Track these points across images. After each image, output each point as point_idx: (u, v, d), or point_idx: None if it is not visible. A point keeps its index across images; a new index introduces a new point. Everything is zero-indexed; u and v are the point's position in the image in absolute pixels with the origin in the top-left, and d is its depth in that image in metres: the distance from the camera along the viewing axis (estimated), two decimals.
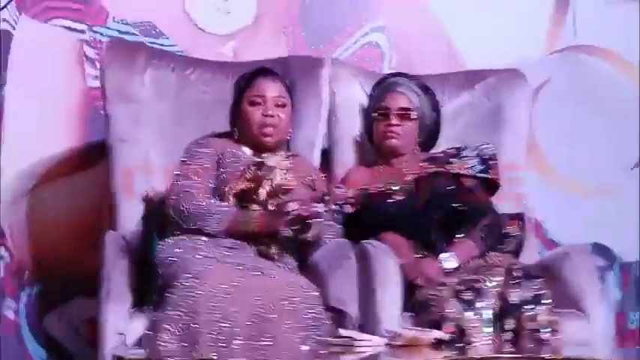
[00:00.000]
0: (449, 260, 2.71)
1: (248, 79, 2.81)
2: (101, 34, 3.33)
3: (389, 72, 3.24)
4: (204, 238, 2.59)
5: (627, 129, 3.61)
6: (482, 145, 2.96)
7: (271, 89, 2.78)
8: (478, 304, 2.50)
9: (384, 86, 3.03)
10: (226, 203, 2.65)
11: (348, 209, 2.83)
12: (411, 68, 3.24)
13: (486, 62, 3.37)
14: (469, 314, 2.49)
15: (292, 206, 2.54)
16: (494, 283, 2.55)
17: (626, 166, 3.64)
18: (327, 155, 3.11)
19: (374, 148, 3.04)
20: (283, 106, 2.79)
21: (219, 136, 2.83)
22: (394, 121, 2.93)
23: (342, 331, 2.37)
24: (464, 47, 3.53)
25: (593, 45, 3.63)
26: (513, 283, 2.55)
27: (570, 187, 3.63)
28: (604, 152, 3.61)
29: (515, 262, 2.71)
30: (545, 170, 3.60)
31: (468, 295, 2.53)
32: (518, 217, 2.92)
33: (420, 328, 2.43)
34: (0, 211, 3.27)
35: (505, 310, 2.51)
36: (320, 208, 2.55)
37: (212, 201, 2.64)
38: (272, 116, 2.75)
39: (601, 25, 3.63)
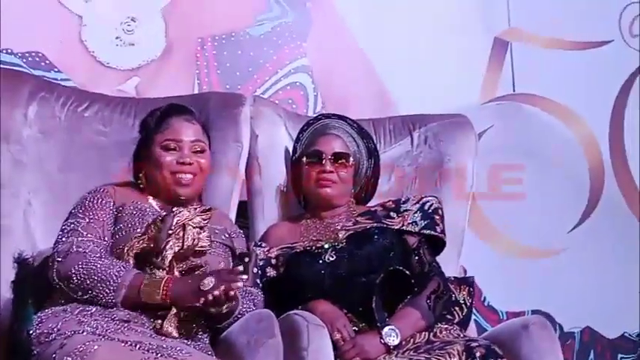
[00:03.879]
0: (391, 335, 2.40)
1: (159, 118, 2.50)
2: None
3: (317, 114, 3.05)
4: (92, 309, 2.21)
5: (572, 182, 3.50)
6: (425, 197, 2.71)
7: (188, 132, 2.49)
8: None
9: (315, 128, 2.79)
10: (124, 264, 2.28)
11: (271, 272, 2.55)
12: (339, 113, 2.93)
13: (420, 110, 3.16)
14: None
15: (209, 284, 2.18)
16: None
17: (568, 226, 3.52)
18: (245, 208, 2.82)
19: (301, 199, 2.77)
20: (202, 151, 2.49)
21: (119, 185, 2.51)
22: (328, 167, 2.65)
23: None
24: (397, 93, 3.42)
25: (533, 94, 3.53)
26: None
27: (509, 249, 3.48)
28: (546, 211, 3.47)
29: (474, 338, 2.42)
30: (482, 229, 3.44)
31: None
32: (467, 283, 2.66)
33: None
34: None
35: None
36: (242, 281, 2.20)
37: (107, 262, 2.27)
38: (190, 164, 2.44)
39: (541, 73, 3.54)
